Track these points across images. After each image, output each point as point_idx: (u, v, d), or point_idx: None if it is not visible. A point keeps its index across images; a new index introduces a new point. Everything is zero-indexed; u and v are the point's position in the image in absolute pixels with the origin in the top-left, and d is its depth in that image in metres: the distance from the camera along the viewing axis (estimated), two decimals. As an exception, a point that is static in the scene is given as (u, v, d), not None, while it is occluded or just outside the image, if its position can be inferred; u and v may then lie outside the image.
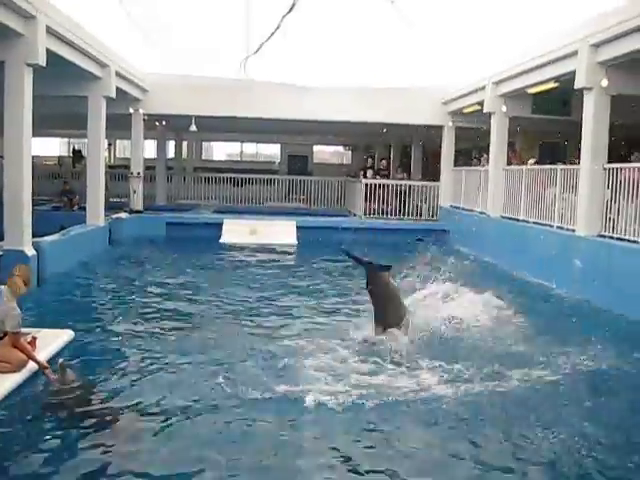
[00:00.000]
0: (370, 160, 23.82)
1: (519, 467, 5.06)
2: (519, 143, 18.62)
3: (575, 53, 11.91)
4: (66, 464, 4.77)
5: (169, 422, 5.60)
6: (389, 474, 4.89)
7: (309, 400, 5.91)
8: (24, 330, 6.58)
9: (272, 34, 11.83)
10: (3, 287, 6.55)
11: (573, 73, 12.00)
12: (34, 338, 6.74)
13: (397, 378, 6.73)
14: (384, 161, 23.60)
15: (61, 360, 6.46)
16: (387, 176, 21.70)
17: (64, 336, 7.67)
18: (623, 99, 11.81)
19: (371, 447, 5.34)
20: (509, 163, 16.59)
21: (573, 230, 12.37)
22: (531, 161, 15.83)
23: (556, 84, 13.83)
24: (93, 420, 5.52)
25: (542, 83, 14.18)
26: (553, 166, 13.92)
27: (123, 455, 4.96)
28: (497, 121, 16.49)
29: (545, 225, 13.69)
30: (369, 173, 21.36)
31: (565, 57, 12.46)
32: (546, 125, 17.63)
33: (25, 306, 6.73)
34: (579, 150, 12.46)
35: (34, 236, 11.67)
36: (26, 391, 6.14)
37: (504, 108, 16.19)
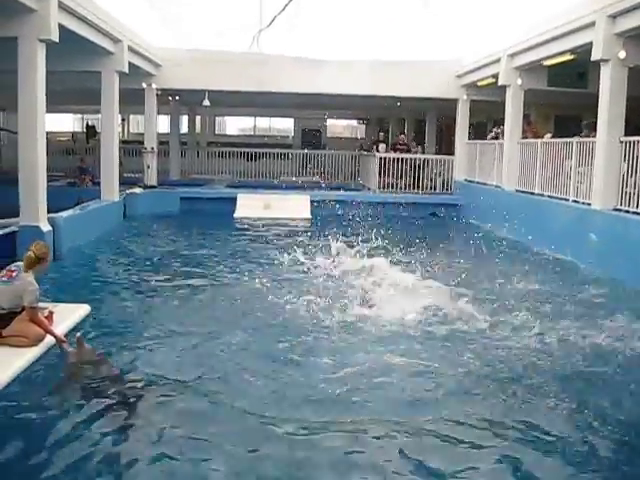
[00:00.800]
0: (382, 134, 23.68)
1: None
2: (534, 116, 18.45)
3: (592, 24, 11.74)
4: (83, 440, 4.79)
5: (188, 395, 5.63)
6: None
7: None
8: (41, 305, 6.64)
9: (285, 7, 11.70)
10: (20, 263, 6.60)
11: (590, 45, 11.84)
12: (51, 312, 6.81)
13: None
14: (403, 136, 23.39)
15: (78, 334, 6.51)
16: (407, 151, 21.50)
17: (81, 310, 7.74)
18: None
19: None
20: (524, 137, 16.45)
21: (589, 204, 12.29)
22: (547, 136, 15.69)
23: (572, 56, 13.65)
24: (110, 394, 5.56)
25: (558, 55, 14.01)
26: (569, 139, 13.80)
27: (142, 430, 4.97)
28: (512, 94, 16.34)
29: (560, 199, 13.61)
30: (381, 147, 21.25)
31: (582, 28, 12.28)
32: (562, 98, 17.44)
33: (41, 281, 6.76)
34: (595, 123, 12.36)
35: (49, 212, 11.75)
36: (44, 365, 6.19)
37: (519, 81, 16.03)
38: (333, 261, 10.88)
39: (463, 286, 9.56)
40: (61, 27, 11.15)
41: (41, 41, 10.90)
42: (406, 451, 4.72)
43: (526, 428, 5.14)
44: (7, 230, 10.84)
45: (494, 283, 10.04)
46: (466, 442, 4.89)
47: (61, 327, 6.89)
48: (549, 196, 14.17)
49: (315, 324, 7.66)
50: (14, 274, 6.47)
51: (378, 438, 4.93)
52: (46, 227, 11.39)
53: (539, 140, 15.33)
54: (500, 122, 17.68)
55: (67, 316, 7.26)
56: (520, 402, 5.67)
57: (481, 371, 6.34)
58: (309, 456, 4.63)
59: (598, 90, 11.97)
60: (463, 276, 10.07)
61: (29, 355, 6.19)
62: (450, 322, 7.91)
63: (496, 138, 18.25)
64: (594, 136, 12.36)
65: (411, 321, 7.86)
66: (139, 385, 5.78)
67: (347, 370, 6.19)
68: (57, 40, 11.01)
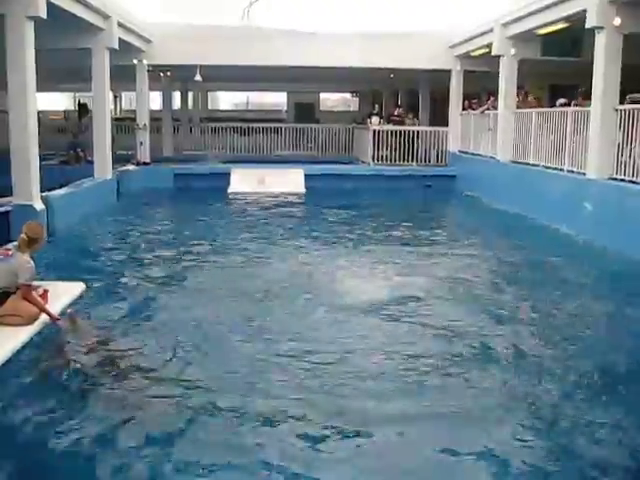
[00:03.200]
0: (377, 106, 23.53)
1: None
2: (528, 86, 18.34)
3: (586, -9, 11.65)
4: (78, 419, 4.76)
5: (184, 370, 5.62)
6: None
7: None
8: (35, 283, 6.63)
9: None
10: (16, 243, 6.58)
11: (584, 12, 11.73)
12: (45, 291, 6.79)
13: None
14: (400, 109, 23.21)
15: (69, 311, 6.53)
16: (400, 123, 21.41)
17: (76, 288, 7.72)
18: (636, 38, 11.56)
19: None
20: (518, 107, 16.35)
21: (584, 173, 12.26)
22: (560, 101, 15.49)
23: (566, 24, 13.53)
24: (105, 370, 5.56)
25: (551, 24, 13.89)
26: (563, 108, 13.73)
27: (135, 407, 4.96)
28: (506, 64, 16.22)
29: (555, 169, 13.57)
30: (374, 119, 21.15)
31: (575, -5, 12.19)
32: (556, 67, 17.34)
33: (36, 259, 6.73)
34: (588, 92, 12.29)
35: (42, 190, 11.70)
36: (38, 343, 6.18)
37: (513, 51, 15.93)
38: None
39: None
40: (49, 4, 11.00)
41: (29, 18, 10.76)
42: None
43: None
44: (1, 209, 10.79)
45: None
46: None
47: (56, 305, 6.88)
48: (544, 166, 14.12)
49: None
50: (10, 252, 6.46)
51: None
52: (40, 206, 11.34)
53: (533, 110, 15.25)
54: (494, 93, 17.58)
55: (62, 294, 7.25)
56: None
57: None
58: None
59: (592, 59, 11.89)
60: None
61: (23, 334, 6.19)
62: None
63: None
64: (588, 105, 12.30)
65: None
66: (133, 362, 5.77)
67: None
68: (45, 17, 10.86)
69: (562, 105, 15.29)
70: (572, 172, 12.84)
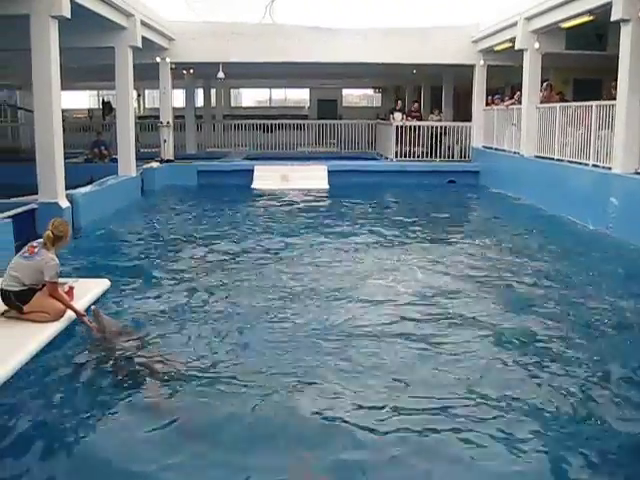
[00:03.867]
0: (400, 102, 23.48)
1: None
2: (553, 80, 18.18)
3: (611, -17, 11.52)
4: (105, 414, 4.83)
5: (211, 368, 5.61)
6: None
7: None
8: (61, 280, 6.68)
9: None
10: (42, 240, 6.63)
11: (609, 5, 11.59)
12: (71, 288, 6.85)
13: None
14: (416, 104, 23.22)
15: (94, 307, 6.57)
16: (419, 118, 21.41)
17: (101, 285, 7.78)
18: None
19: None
20: (544, 101, 16.19)
21: (609, 168, 12.13)
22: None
23: (590, 17, 13.36)
24: (133, 367, 5.60)
25: (576, 17, 13.73)
26: (588, 102, 13.59)
27: (163, 403, 5.00)
28: (530, 58, 16.07)
29: (580, 164, 13.44)
30: (397, 115, 21.09)
31: (600, -12, 12.06)
32: (580, 61, 17.16)
33: (61, 256, 6.79)
34: (614, 86, 12.15)
35: (67, 188, 11.81)
36: (65, 339, 6.25)
37: (536, 45, 15.77)
38: None
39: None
40: (73, 3, 11.12)
41: (53, 17, 10.88)
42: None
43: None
44: (27, 207, 10.92)
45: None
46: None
47: (82, 302, 6.94)
48: (569, 161, 13.99)
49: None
50: (35, 249, 6.51)
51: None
52: (65, 203, 11.48)
53: (557, 104, 15.10)
54: (518, 87, 17.46)
55: (87, 291, 7.30)
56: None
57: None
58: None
59: (618, 52, 11.75)
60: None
61: (51, 330, 6.25)
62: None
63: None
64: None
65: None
66: (161, 357, 5.80)
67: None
68: (69, 16, 10.98)
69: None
70: (597, 167, 12.71)
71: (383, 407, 4.87)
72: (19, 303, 6.38)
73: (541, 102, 16.02)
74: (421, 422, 4.66)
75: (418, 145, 20.32)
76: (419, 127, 20.37)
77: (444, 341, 6.24)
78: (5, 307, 6.49)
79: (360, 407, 4.87)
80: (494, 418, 4.74)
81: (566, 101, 15.71)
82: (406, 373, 5.50)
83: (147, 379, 5.39)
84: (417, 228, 12.42)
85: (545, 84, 16.38)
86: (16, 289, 6.37)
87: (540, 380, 5.39)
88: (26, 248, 6.60)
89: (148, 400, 5.04)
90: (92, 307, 6.58)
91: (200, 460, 4.22)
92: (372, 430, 4.53)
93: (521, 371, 5.58)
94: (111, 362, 5.70)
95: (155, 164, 18.97)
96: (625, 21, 11.37)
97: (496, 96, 19.87)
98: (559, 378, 5.41)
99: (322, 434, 4.53)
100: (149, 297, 7.71)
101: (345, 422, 4.63)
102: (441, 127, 21.01)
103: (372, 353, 5.91)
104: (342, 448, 4.34)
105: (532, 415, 4.77)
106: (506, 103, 18.34)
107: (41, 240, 6.62)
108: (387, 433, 4.51)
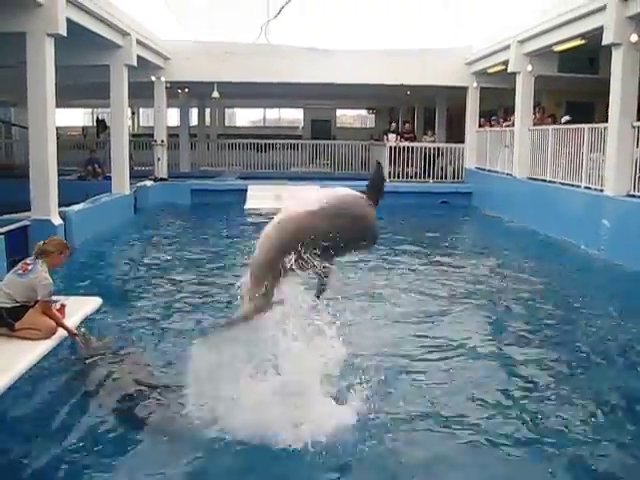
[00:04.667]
0: (393, 124, 23.60)
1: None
2: (545, 103, 18.33)
3: (603, 8, 11.63)
4: (93, 433, 4.81)
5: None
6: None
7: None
8: (53, 298, 6.65)
9: (292, -3, 11.60)
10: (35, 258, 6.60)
11: (601, 29, 11.72)
12: (63, 305, 6.80)
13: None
14: (408, 125, 23.38)
15: (83, 329, 6.57)
16: (412, 139, 21.52)
17: (92, 303, 7.72)
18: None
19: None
20: (537, 124, 16.30)
21: (601, 190, 12.20)
22: (565, 118, 15.47)
23: (583, 41, 13.53)
24: (119, 386, 5.57)
25: (568, 40, 13.90)
26: (580, 125, 13.69)
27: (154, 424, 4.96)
28: (522, 81, 16.21)
29: (573, 186, 13.50)
30: (391, 137, 21.19)
31: (592, 12, 12.17)
32: (573, 84, 17.32)
33: (53, 274, 6.75)
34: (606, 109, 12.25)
35: (60, 206, 11.79)
36: (56, 357, 6.21)
37: (529, 67, 15.92)
38: None
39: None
40: (69, 21, 11.16)
41: (49, 35, 10.91)
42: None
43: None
44: (19, 224, 10.87)
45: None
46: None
47: (73, 320, 6.88)
48: (561, 183, 14.06)
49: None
50: (29, 267, 6.47)
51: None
52: (57, 221, 11.44)
53: (550, 126, 15.21)
54: (511, 110, 17.58)
55: (79, 309, 7.25)
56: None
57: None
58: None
59: (610, 75, 11.86)
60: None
61: (42, 347, 6.21)
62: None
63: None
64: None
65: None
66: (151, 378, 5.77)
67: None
68: (65, 34, 11.02)
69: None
70: (589, 189, 12.77)
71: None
72: (10, 320, 6.34)
73: (534, 124, 16.15)
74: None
75: (411, 166, 20.40)
76: (412, 148, 20.46)
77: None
78: (-4, 325, 6.45)
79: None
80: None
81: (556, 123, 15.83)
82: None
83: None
84: (407, 249, 12.43)
85: (537, 108, 16.51)
86: (8, 306, 6.33)
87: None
88: (20, 265, 6.56)
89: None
90: (82, 330, 6.56)
91: None
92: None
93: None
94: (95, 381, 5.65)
95: (149, 182, 18.98)
96: (616, 45, 11.50)
97: (492, 118, 20.01)
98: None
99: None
100: (138, 317, 7.69)
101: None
102: (434, 148, 21.12)
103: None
104: None
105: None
106: (506, 124, 18.39)
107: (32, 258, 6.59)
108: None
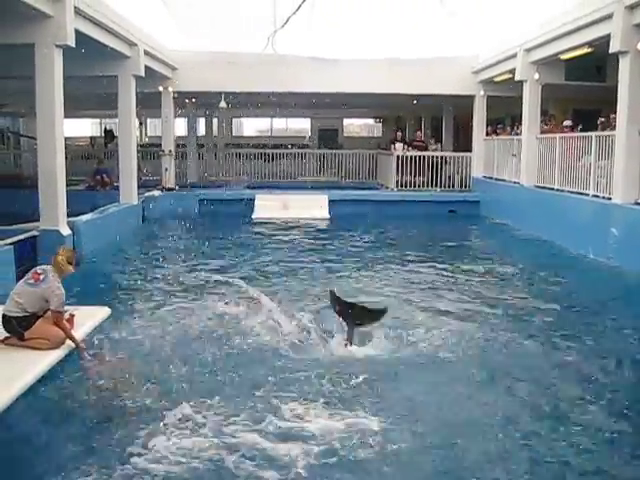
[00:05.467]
0: (400, 133, 23.58)
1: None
2: (552, 111, 18.31)
3: (610, 16, 11.62)
4: (101, 445, 4.77)
5: (209, 403, 5.47)
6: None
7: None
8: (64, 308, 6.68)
9: (299, 7, 11.67)
10: (47, 267, 6.63)
11: (608, 37, 11.71)
12: (72, 315, 6.84)
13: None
14: (419, 132, 23.32)
15: (100, 352, 6.57)
16: (423, 147, 21.44)
17: (101, 313, 7.78)
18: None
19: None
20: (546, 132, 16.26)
21: (609, 198, 12.16)
22: (566, 122, 15.42)
23: (590, 49, 13.52)
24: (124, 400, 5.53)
25: (575, 49, 13.88)
26: (588, 133, 13.67)
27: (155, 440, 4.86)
28: (529, 89, 16.21)
29: (580, 194, 13.47)
30: (398, 145, 21.18)
31: (599, 20, 12.15)
32: (580, 92, 17.30)
33: (63, 284, 6.77)
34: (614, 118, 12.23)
35: (69, 216, 11.83)
36: (65, 367, 6.21)
37: (536, 76, 15.91)
38: None
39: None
40: (77, 32, 11.22)
41: (58, 46, 10.98)
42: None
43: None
44: (28, 234, 10.92)
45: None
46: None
47: (82, 330, 6.94)
48: (569, 191, 14.03)
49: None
50: (41, 277, 6.49)
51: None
52: (66, 231, 11.48)
53: (557, 135, 15.18)
54: (518, 118, 17.57)
55: (88, 319, 7.30)
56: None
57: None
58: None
59: (617, 83, 11.85)
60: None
61: (51, 358, 6.23)
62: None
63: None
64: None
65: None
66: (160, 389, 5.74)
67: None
68: (73, 45, 11.08)
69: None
70: (597, 197, 12.74)
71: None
72: (20, 329, 6.37)
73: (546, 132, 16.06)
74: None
75: (419, 175, 20.39)
76: (420, 157, 20.45)
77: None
78: (5, 334, 6.47)
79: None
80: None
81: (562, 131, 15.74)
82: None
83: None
84: (415, 258, 12.40)
85: (547, 116, 16.38)
86: (19, 315, 6.36)
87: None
88: (30, 274, 6.60)
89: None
90: (98, 353, 6.56)
91: None
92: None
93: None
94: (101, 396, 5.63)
95: (156, 192, 19.04)
96: (623, 53, 11.50)
97: (499, 125, 20.00)
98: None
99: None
100: (147, 326, 7.66)
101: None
102: (441, 157, 21.11)
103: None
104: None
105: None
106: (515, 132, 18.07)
107: (45, 267, 6.62)
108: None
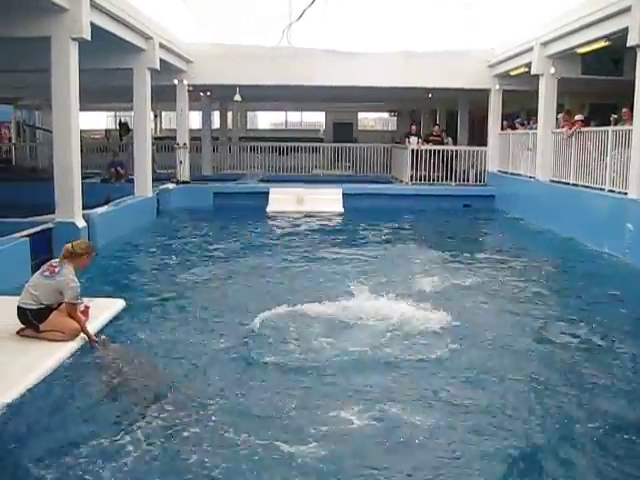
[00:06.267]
0: (414, 127, 23.49)
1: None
2: (568, 105, 18.18)
3: (628, 9, 11.49)
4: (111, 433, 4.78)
5: (221, 396, 5.51)
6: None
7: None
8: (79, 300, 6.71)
9: (314, 0, 11.64)
10: (62, 259, 6.65)
11: (625, 30, 11.60)
12: (87, 307, 6.88)
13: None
14: (437, 127, 23.18)
15: (104, 337, 6.61)
16: (439, 142, 21.33)
17: (116, 305, 7.81)
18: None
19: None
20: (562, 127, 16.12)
21: (625, 193, 12.08)
22: (578, 116, 15.25)
23: (607, 43, 13.41)
24: (143, 390, 5.56)
25: (592, 42, 13.76)
26: (604, 128, 13.57)
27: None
28: (545, 83, 16.10)
29: (596, 189, 13.38)
30: (413, 139, 21.10)
31: (617, 14, 12.01)
32: (597, 86, 17.18)
33: (78, 276, 6.80)
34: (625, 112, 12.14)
35: (84, 208, 11.90)
36: (79, 360, 6.25)
37: (552, 70, 15.80)
38: None
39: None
40: (93, 25, 11.24)
41: (74, 40, 11.01)
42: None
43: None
44: (43, 227, 10.99)
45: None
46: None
47: (97, 322, 6.98)
48: (584, 186, 13.94)
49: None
50: (56, 269, 6.53)
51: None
52: (81, 223, 11.54)
53: (573, 128, 15.05)
54: (534, 112, 17.45)
55: (102, 311, 7.33)
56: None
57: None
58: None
59: (634, 77, 11.74)
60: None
61: (65, 349, 6.27)
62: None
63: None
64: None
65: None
66: (171, 384, 5.72)
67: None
68: (89, 38, 11.11)
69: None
70: (613, 192, 12.65)
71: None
72: (35, 321, 6.41)
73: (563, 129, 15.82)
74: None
75: (433, 169, 20.32)
76: (434, 151, 20.37)
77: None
78: (20, 325, 6.52)
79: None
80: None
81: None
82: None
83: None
84: (434, 254, 12.33)
85: (562, 114, 16.07)
86: (33, 307, 6.40)
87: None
88: (46, 267, 6.63)
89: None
90: (102, 337, 6.61)
91: None
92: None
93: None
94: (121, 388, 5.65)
95: (171, 185, 19.09)
96: (641, 47, 11.38)
97: (517, 120, 19.89)
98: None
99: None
100: (163, 318, 7.72)
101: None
102: (456, 151, 21.03)
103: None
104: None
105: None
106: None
107: (61, 259, 6.65)
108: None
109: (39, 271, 6.66)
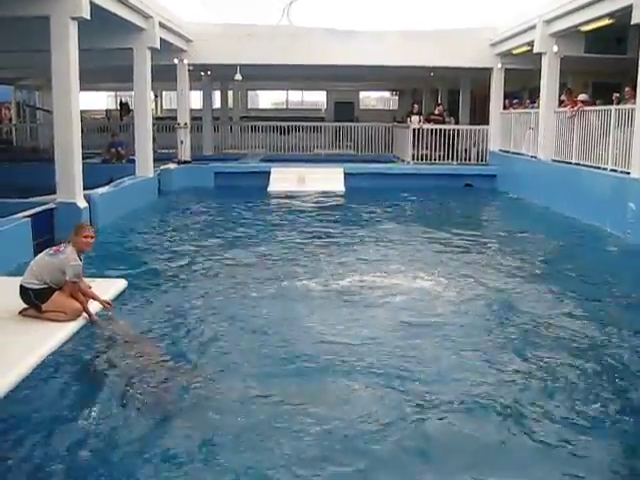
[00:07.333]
0: (416, 106, 23.34)
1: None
2: (570, 84, 18.06)
3: (631, -14, 11.42)
4: (115, 416, 4.80)
5: (224, 375, 5.55)
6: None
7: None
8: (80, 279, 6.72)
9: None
10: (67, 244, 6.65)
11: (629, 8, 11.49)
12: (89, 287, 6.89)
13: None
14: (440, 107, 22.96)
15: (110, 312, 6.65)
16: (441, 122, 21.19)
17: (118, 285, 7.84)
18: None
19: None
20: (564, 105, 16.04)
21: (628, 172, 12.04)
22: (582, 96, 15.15)
23: (610, 21, 13.29)
24: (141, 370, 5.57)
25: (595, 20, 13.64)
26: (606, 107, 13.50)
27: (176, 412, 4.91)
28: (548, 62, 15.99)
29: (598, 168, 13.34)
30: (414, 118, 20.99)
31: (620, -9, 11.96)
32: (600, 65, 17.06)
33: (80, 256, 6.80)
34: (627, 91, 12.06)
35: (85, 189, 11.89)
36: (81, 340, 6.27)
37: (555, 48, 15.68)
38: None
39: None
40: (92, 4, 11.17)
41: (73, 19, 10.96)
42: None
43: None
44: (45, 207, 10.99)
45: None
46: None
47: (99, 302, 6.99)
48: (586, 165, 13.89)
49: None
50: (61, 249, 6.58)
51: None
52: (82, 204, 11.54)
53: (575, 108, 14.97)
54: (536, 91, 17.36)
55: (104, 291, 7.34)
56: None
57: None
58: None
59: (638, 56, 11.66)
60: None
61: (67, 329, 6.29)
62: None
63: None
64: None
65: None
66: (176, 363, 5.74)
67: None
68: (89, 17, 11.05)
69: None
70: (615, 171, 12.62)
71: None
72: (37, 301, 6.43)
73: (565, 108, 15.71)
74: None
75: (435, 148, 20.26)
76: (436, 130, 20.30)
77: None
78: (23, 305, 6.54)
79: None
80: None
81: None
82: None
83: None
84: (432, 236, 12.30)
85: (565, 91, 15.97)
86: (36, 287, 6.42)
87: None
88: (52, 248, 6.68)
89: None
90: (108, 313, 6.65)
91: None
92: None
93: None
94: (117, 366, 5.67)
95: (172, 165, 19.05)
96: (645, 24, 11.29)
97: (514, 100, 19.81)
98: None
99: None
100: (165, 298, 7.73)
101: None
102: (458, 130, 20.95)
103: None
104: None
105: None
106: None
107: (65, 244, 6.67)
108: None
109: (44, 252, 6.69)
